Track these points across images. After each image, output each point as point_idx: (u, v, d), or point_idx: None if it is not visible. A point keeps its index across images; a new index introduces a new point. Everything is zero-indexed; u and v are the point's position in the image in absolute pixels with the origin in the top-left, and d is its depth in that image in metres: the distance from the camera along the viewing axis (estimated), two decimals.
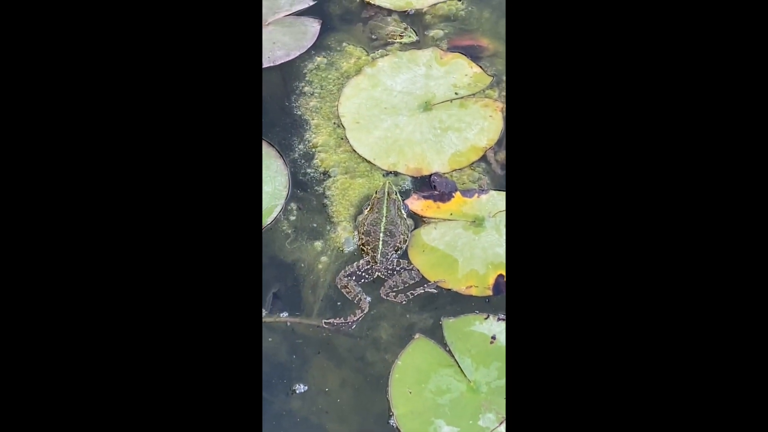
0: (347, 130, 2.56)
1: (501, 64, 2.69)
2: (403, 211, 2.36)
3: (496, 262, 2.26)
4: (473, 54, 2.73)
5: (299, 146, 2.54)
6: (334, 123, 2.59)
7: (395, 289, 2.26)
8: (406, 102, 2.62)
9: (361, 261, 2.30)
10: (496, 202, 2.38)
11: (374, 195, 2.38)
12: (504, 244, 2.28)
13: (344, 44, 2.77)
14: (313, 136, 2.56)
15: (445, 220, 2.37)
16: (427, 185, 2.46)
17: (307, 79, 2.69)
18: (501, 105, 2.58)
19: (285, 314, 2.23)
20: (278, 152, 2.49)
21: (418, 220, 2.39)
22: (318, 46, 2.75)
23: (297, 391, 2.11)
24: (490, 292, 2.23)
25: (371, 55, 2.74)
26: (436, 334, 2.17)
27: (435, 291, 2.25)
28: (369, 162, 2.51)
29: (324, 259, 2.33)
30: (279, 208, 2.40)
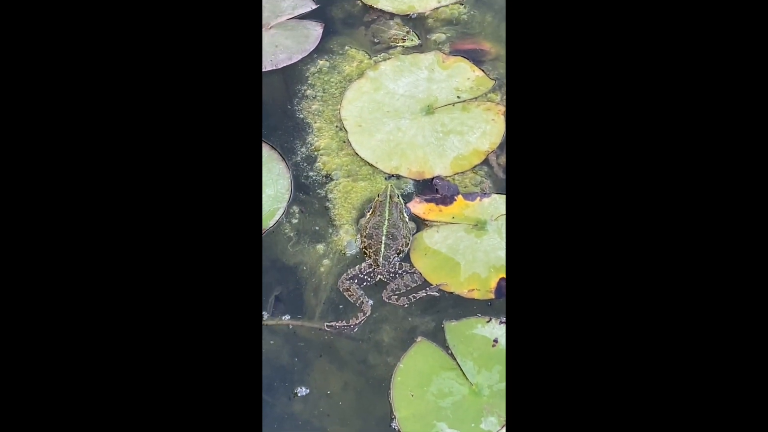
0: (349, 134, 2.57)
1: (503, 68, 2.69)
2: (405, 215, 2.36)
3: (498, 266, 2.26)
4: (475, 58, 2.73)
5: (302, 149, 2.54)
6: (337, 126, 2.59)
7: (397, 292, 2.26)
8: (408, 105, 2.62)
9: (364, 264, 2.30)
10: (498, 205, 2.38)
11: (376, 198, 2.38)
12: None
13: (347, 48, 2.77)
14: (316, 139, 2.56)
15: (447, 223, 2.37)
16: (430, 188, 2.45)
17: (309, 82, 2.69)
18: (503, 108, 2.58)
19: (287, 317, 2.23)
20: (281, 155, 2.49)
21: (420, 224, 2.39)
22: (320, 50, 2.75)
23: (299, 394, 2.11)
24: (492, 296, 2.22)
25: (374, 58, 2.74)
26: (438, 337, 2.17)
27: (437, 294, 2.25)
28: (371, 165, 2.51)
29: (326, 262, 2.33)
30: (281, 211, 2.40)
